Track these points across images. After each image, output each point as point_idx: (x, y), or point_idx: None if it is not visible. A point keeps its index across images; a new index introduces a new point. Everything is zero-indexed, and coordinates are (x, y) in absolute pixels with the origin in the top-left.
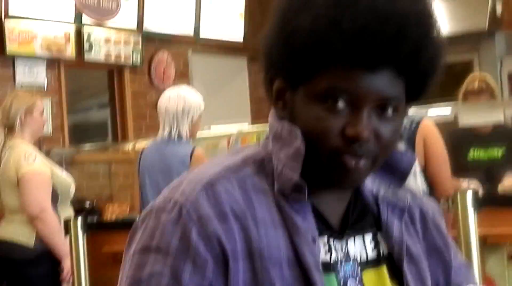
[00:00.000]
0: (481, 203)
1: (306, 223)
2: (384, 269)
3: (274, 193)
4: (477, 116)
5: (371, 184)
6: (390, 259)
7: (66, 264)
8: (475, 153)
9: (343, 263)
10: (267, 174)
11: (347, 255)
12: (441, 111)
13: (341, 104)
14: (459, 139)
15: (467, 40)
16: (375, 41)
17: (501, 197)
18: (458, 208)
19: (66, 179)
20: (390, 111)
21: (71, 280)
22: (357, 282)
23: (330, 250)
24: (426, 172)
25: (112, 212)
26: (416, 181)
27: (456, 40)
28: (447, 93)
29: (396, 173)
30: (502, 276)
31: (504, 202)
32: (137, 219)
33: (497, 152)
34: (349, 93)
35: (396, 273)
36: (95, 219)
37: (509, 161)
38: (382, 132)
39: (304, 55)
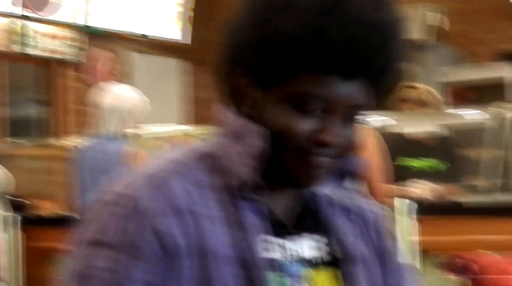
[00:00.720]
0: (419, 212)
1: (256, 222)
2: (334, 271)
3: (222, 190)
4: (419, 125)
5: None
6: (341, 262)
7: (1, 259)
8: (417, 163)
9: (291, 263)
10: (216, 171)
11: (295, 256)
12: (383, 118)
13: (312, 108)
14: (401, 147)
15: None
16: (361, 51)
17: (438, 206)
18: (397, 215)
19: (1, 173)
20: (355, 116)
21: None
22: (306, 283)
23: (277, 249)
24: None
25: (49, 209)
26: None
27: None
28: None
29: (345, 175)
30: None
31: (441, 211)
32: (74, 216)
33: (432, 162)
34: (324, 99)
35: (346, 277)
36: (32, 214)
37: (451, 172)
38: (345, 136)
39: (283, 58)
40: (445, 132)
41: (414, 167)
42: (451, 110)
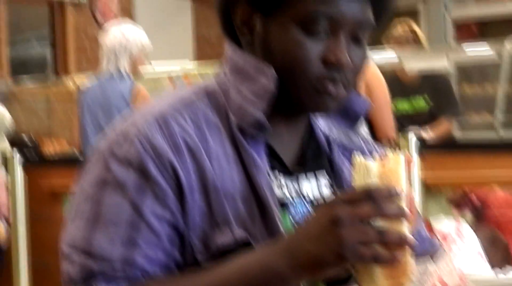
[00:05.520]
0: (423, 147)
1: (263, 160)
2: None
3: (226, 127)
4: (422, 61)
5: (324, 124)
6: None
7: (1, 196)
8: (400, 105)
9: (295, 201)
10: (220, 108)
11: (299, 193)
12: (386, 55)
13: (320, 28)
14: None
15: None
16: None
17: (443, 141)
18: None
19: (1, 111)
20: (361, 37)
21: (6, 213)
22: None
23: (282, 186)
24: (369, 116)
25: (51, 148)
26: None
27: None
28: None
29: (349, 116)
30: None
31: (446, 147)
32: (78, 155)
33: (420, 101)
34: (329, 17)
35: None
36: (34, 154)
37: (433, 110)
38: (355, 58)
39: None
40: (444, 69)
41: (400, 110)
42: (457, 46)
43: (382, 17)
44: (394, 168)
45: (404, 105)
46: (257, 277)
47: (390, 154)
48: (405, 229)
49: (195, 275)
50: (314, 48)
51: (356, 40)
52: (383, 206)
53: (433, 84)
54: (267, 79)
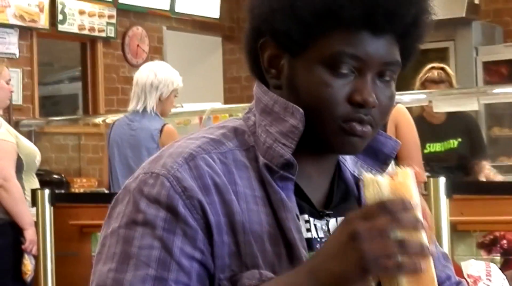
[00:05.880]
0: (453, 191)
1: (290, 199)
2: None
3: (255, 168)
4: (452, 103)
5: (353, 166)
6: None
7: (29, 234)
8: (431, 147)
9: (323, 241)
10: (248, 148)
11: (327, 234)
12: (415, 97)
13: (347, 69)
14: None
15: (444, 27)
16: (389, 4)
17: (473, 185)
18: (431, 194)
19: (32, 149)
20: (388, 77)
21: (33, 251)
22: None
23: (309, 227)
24: (397, 157)
25: (80, 186)
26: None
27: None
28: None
29: (379, 158)
30: None
31: (475, 190)
32: (107, 193)
33: (453, 143)
34: (355, 58)
35: None
36: (64, 192)
37: (465, 151)
38: (382, 97)
39: (313, 18)
40: (474, 111)
41: (430, 151)
42: (487, 88)
43: (409, 57)
44: (404, 182)
45: (433, 147)
46: None
47: (398, 169)
48: (423, 238)
49: None
50: (340, 89)
51: (383, 79)
52: (400, 217)
53: (462, 126)
54: (296, 119)
